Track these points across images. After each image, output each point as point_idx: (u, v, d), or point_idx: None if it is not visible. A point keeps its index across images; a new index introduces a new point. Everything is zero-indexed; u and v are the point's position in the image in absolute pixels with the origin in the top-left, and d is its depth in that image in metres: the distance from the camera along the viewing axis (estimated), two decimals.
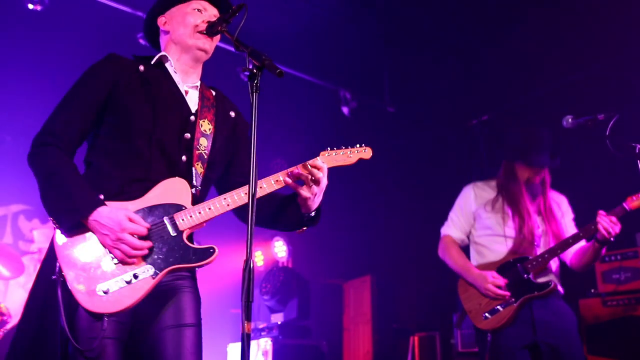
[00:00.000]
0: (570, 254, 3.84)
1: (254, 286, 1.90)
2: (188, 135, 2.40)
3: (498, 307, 3.67)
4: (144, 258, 2.17)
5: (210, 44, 2.53)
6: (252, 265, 1.89)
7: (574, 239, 3.66)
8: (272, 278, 7.64)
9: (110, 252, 2.15)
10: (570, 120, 3.61)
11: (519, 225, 3.80)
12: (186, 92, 2.52)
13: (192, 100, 2.51)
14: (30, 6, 5.45)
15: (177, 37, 2.53)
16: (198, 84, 2.58)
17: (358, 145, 2.51)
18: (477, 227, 3.98)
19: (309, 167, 2.35)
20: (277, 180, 2.36)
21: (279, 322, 7.10)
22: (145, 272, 2.15)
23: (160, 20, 2.61)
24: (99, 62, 2.43)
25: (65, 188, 2.16)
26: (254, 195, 1.97)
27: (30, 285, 2.25)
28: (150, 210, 2.24)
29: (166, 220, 2.23)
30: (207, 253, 2.20)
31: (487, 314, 3.69)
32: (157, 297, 2.24)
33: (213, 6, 2.59)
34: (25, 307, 2.19)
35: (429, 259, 4.86)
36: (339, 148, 2.49)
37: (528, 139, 3.85)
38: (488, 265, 3.83)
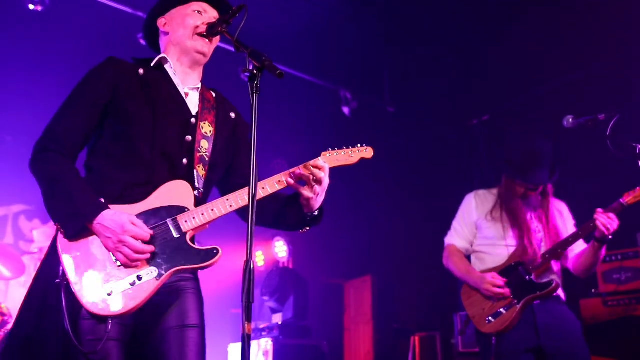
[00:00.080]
0: (572, 259, 3.84)
1: (255, 286, 1.90)
2: (189, 137, 2.40)
3: (501, 309, 3.67)
4: (148, 260, 2.17)
5: (209, 47, 2.53)
6: (252, 266, 1.89)
7: (574, 237, 3.68)
8: (271, 278, 7.66)
9: (113, 255, 2.15)
10: (570, 120, 3.61)
11: (519, 237, 3.81)
12: (186, 95, 2.52)
13: (193, 103, 2.51)
14: (31, 6, 5.45)
15: (177, 39, 2.53)
16: (199, 86, 2.58)
17: (359, 145, 2.52)
18: (479, 236, 4.00)
19: (311, 167, 2.36)
20: (279, 181, 2.38)
21: (279, 323, 7.10)
22: (149, 274, 2.15)
23: (160, 22, 2.61)
24: (98, 66, 2.42)
25: (68, 193, 2.16)
26: (254, 196, 1.98)
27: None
28: (153, 213, 2.24)
29: (169, 222, 2.23)
30: (211, 254, 2.21)
31: (490, 318, 3.69)
32: (161, 299, 2.25)
33: (213, 8, 2.59)
34: (21, 308, 2.19)
35: (429, 259, 4.86)
36: (340, 148, 2.50)
37: (527, 157, 3.86)
38: (489, 270, 3.83)
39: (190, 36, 2.49)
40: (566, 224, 3.96)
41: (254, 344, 6.61)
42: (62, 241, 2.17)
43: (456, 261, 4.00)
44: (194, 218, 2.25)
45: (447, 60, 6.90)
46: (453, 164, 7.41)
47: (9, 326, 4.93)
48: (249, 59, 2.13)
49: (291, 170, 2.38)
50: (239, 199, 2.31)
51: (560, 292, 3.77)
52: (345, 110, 7.06)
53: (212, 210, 2.28)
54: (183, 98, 2.49)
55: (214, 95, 2.63)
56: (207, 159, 2.42)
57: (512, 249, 3.82)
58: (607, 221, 3.52)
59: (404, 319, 7.71)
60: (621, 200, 3.59)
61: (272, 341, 6.55)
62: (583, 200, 4.15)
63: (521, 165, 3.86)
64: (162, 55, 2.56)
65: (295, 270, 8.06)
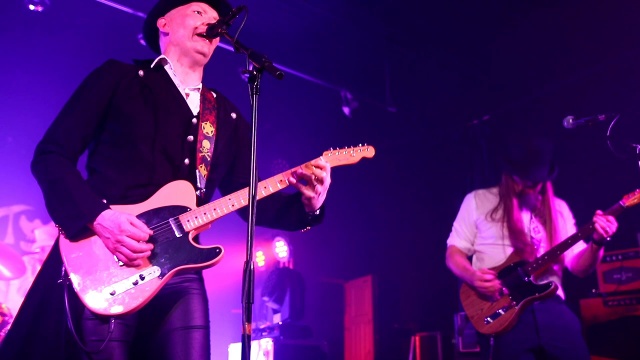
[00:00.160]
0: (570, 259, 3.84)
1: (255, 287, 1.90)
2: (191, 137, 2.40)
3: (500, 310, 3.68)
4: (150, 259, 2.18)
5: (209, 47, 2.53)
6: (252, 267, 1.90)
7: (573, 239, 3.67)
8: (270, 278, 7.67)
9: (114, 255, 2.16)
10: (570, 120, 3.61)
11: (512, 236, 3.81)
12: (187, 95, 2.52)
13: (194, 103, 2.51)
14: (32, 7, 5.45)
15: (177, 39, 2.53)
16: (199, 86, 2.58)
17: (361, 145, 2.53)
18: (479, 236, 4.01)
19: (312, 166, 2.36)
20: (281, 181, 2.38)
21: (280, 323, 7.10)
22: (152, 274, 2.16)
23: (160, 22, 2.61)
24: (98, 69, 2.43)
25: (69, 194, 2.17)
26: (254, 196, 1.98)
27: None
28: (155, 213, 2.25)
29: (171, 221, 2.24)
30: (213, 253, 2.21)
31: (488, 318, 3.69)
32: (165, 299, 2.25)
33: (213, 8, 2.59)
34: (21, 308, 2.19)
35: (430, 259, 4.87)
36: (341, 147, 2.51)
37: (527, 154, 3.85)
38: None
39: (190, 36, 2.50)
40: (566, 223, 3.95)
41: (254, 344, 6.62)
42: (64, 242, 2.17)
43: (455, 260, 4.01)
44: (196, 217, 2.26)
45: (448, 60, 6.90)
46: (454, 164, 7.42)
47: (9, 326, 4.93)
48: (248, 60, 2.13)
49: (293, 169, 2.38)
50: (241, 198, 2.32)
51: (560, 292, 3.77)
52: (346, 110, 7.06)
53: (215, 209, 2.29)
54: (184, 98, 2.49)
55: (214, 95, 2.63)
56: (208, 159, 2.43)
57: (509, 249, 3.82)
58: (606, 224, 3.52)
59: (405, 319, 7.71)
60: (621, 202, 3.58)
61: (272, 341, 6.56)
62: (583, 201, 4.15)
63: (520, 162, 3.86)
64: (162, 56, 2.56)
65: (293, 270, 8.06)
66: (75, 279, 2.10)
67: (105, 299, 2.09)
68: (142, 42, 5.69)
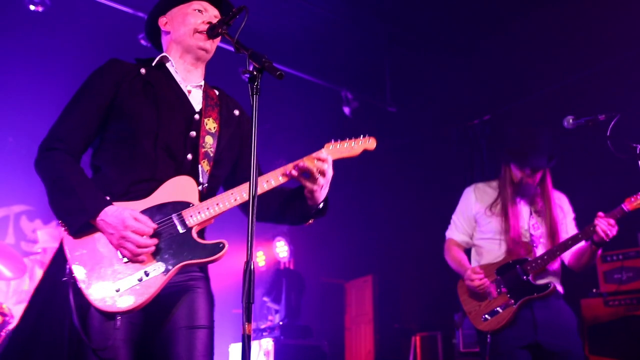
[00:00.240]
0: (568, 254, 3.84)
1: (255, 287, 1.90)
2: (194, 133, 2.41)
3: (498, 308, 3.68)
4: (154, 256, 2.18)
5: (211, 44, 2.54)
6: (252, 267, 1.90)
7: (573, 240, 3.66)
8: (269, 278, 7.69)
9: (118, 252, 2.16)
10: (571, 120, 3.61)
11: (506, 228, 3.80)
12: (189, 92, 2.53)
13: (196, 100, 2.52)
14: (32, 7, 5.46)
15: (178, 37, 2.54)
16: (202, 83, 2.59)
17: (362, 136, 2.53)
18: (478, 230, 3.99)
19: (314, 159, 2.36)
20: (282, 174, 2.38)
21: (280, 323, 7.11)
22: (156, 270, 2.15)
23: (161, 21, 2.62)
24: (101, 68, 2.44)
25: (72, 190, 2.18)
26: (254, 196, 1.98)
27: (34, 282, 2.26)
28: (158, 209, 2.25)
29: (174, 217, 2.24)
30: (217, 248, 2.21)
31: (486, 316, 3.70)
32: (171, 298, 2.26)
33: (214, 7, 2.60)
34: (26, 307, 2.19)
35: (430, 258, 4.87)
36: (343, 140, 2.50)
37: (524, 141, 3.85)
38: (486, 266, 3.84)
39: (191, 34, 2.50)
40: (566, 217, 3.93)
41: (255, 344, 6.62)
42: (67, 240, 2.18)
43: (452, 255, 4.01)
44: (199, 213, 2.26)
45: (448, 60, 6.90)
46: (454, 164, 7.42)
47: (10, 326, 4.93)
48: (249, 60, 2.13)
49: (294, 162, 2.38)
50: (243, 192, 2.32)
51: (559, 287, 3.77)
52: (346, 110, 7.06)
53: (217, 204, 2.29)
54: (186, 95, 2.50)
55: (217, 92, 2.64)
56: (211, 155, 2.43)
57: (504, 244, 3.81)
58: (607, 228, 3.51)
59: (405, 319, 7.71)
60: (623, 206, 3.57)
61: (273, 341, 6.56)
62: (583, 201, 4.15)
63: (518, 150, 3.85)
64: (163, 54, 2.57)
65: (293, 270, 8.07)
66: (80, 277, 2.11)
67: (111, 296, 2.09)
68: (143, 42, 5.70)
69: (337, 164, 2.45)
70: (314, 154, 2.38)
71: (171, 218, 2.24)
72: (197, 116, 2.45)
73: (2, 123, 6.83)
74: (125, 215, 2.14)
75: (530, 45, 6.30)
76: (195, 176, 2.35)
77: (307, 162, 2.36)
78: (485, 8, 6.06)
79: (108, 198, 2.21)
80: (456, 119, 7.47)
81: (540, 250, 3.79)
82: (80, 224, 2.15)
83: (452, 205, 4.18)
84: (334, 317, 8.52)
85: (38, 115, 6.27)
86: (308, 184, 2.38)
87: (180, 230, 2.23)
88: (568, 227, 3.90)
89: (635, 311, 4.83)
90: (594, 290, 5.12)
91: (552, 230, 3.80)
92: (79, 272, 2.11)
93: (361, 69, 7.13)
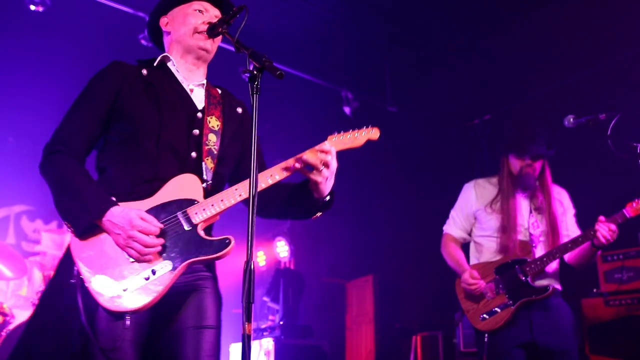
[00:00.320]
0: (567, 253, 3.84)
1: (256, 287, 1.90)
2: (197, 131, 2.41)
3: (496, 308, 3.68)
4: (161, 254, 2.18)
5: (211, 44, 2.54)
6: (252, 267, 1.89)
7: (573, 243, 3.65)
8: (269, 279, 7.69)
9: (125, 252, 2.17)
10: (571, 119, 3.61)
11: (505, 226, 3.79)
12: (191, 90, 2.53)
13: (198, 98, 2.52)
14: (32, 7, 5.46)
15: (179, 38, 2.54)
16: (204, 82, 2.59)
17: (365, 127, 2.52)
18: (478, 227, 3.98)
19: (317, 152, 2.35)
20: (286, 168, 2.37)
21: (281, 322, 7.11)
22: (164, 268, 2.15)
23: (163, 21, 2.62)
24: (102, 71, 2.45)
25: (76, 192, 2.18)
26: (254, 196, 1.98)
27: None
28: (163, 207, 2.25)
29: (179, 215, 2.24)
30: (223, 244, 2.20)
31: (485, 315, 3.70)
32: (178, 297, 2.26)
33: (214, 7, 2.60)
34: (35, 310, 2.21)
35: (431, 258, 4.86)
36: (346, 131, 2.49)
37: (522, 131, 3.84)
38: (485, 264, 3.84)
39: (192, 34, 2.51)
40: (566, 214, 3.91)
41: (255, 343, 6.62)
42: (74, 242, 2.18)
43: (449, 251, 4.00)
44: (204, 210, 2.26)
45: (449, 59, 6.90)
46: (454, 163, 7.42)
47: (11, 326, 4.93)
48: (249, 60, 2.13)
49: (298, 155, 2.37)
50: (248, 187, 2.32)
51: (557, 285, 3.77)
52: (347, 110, 7.07)
53: (222, 200, 2.28)
54: (188, 94, 2.51)
55: (219, 91, 2.64)
56: (215, 152, 2.43)
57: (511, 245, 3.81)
58: (607, 233, 3.51)
59: (406, 319, 7.70)
60: (624, 211, 3.55)
61: (273, 341, 6.56)
62: (583, 200, 4.14)
63: (516, 139, 3.84)
64: (165, 54, 2.58)
65: (292, 270, 8.07)
66: (87, 278, 2.11)
67: (119, 296, 2.09)
68: (143, 42, 5.70)
69: (338, 162, 2.44)
70: (317, 147, 2.37)
71: (176, 216, 2.24)
72: (199, 114, 2.46)
73: (3, 123, 6.84)
74: (131, 215, 2.14)
75: (530, 45, 6.30)
76: (200, 174, 2.35)
77: (310, 154, 2.35)
78: (485, 8, 6.06)
79: (114, 199, 2.21)
80: (456, 119, 7.47)
81: (539, 250, 3.79)
82: (86, 225, 2.15)
83: (453, 205, 4.18)
84: (335, 316, 8.52)
85: (38, 115, 6.28)
86: (313, 177, 2.36)
87: (186, 227, 2.23)
88: (568, 223, 3.89)
89: (636, 311, 4.82)
90: (595, 290, 5.12)
91: (552, 228, 3.79)
92: (86, 273, 2.12)
93: (361, 69, 7.13)
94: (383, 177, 8.09)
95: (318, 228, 8.37)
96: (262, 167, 2.52)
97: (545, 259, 3.68)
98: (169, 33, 2.60)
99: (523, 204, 3.89)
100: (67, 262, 2.20)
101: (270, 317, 7.64)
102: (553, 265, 3.78)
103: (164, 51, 2.63)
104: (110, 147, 2.38)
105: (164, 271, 2.15)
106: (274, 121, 7.41)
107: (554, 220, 3.81)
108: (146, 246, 2.13)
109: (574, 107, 3.76)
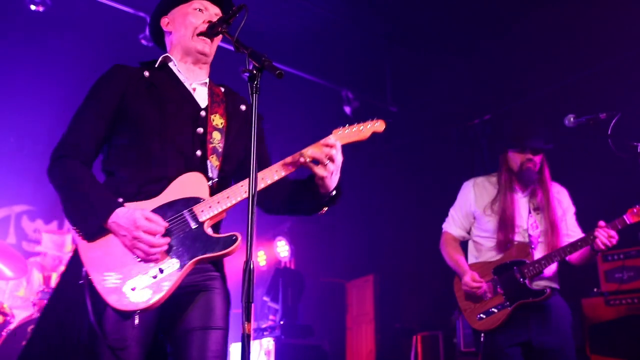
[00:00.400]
0: None
1: (256, 286, 1.90)
2: (201, 130, 2.42)
3: (493, 309, 3.68)
4: (168, 253, 2.18)
5: (210, 47, 2.54)
6: (252, 266, 1.89)
7: (572, 248, 3.64)
8: (269, 278, 7.69)
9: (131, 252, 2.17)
10: (572, 119, 3.61)
11: (504, 228, 3.78)
12: (194, 90, 2.54)
13: (201, 97, 2.53)
14: (33, 7, 5.47)
15: (179, 39, 2.55)
16: (206, 81, 2.60)
17: (370, 119, 2.51)
18: (477, 226, 3.98)
19: (322, 146, 2.34)
20: (291, 163, 2.36)
21: (281, 322, 7.11)
22: (171, 266, 2.16)
23: (163, 21, 2.63)
24: (105, 75, 2.46)
25: (82, 196, 2.19)
26: (254, 196, 1.98)
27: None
28: (169, 206, 2.25)
29: (186, 213, 2.24)
30: (230, 241, 2.20)
31: (482, 315, 3.70)
32: (187, 297, 2.27)
33: (214, 5, 2.60)
34: (43, 312, 2.21)
35: (431, 258, 4.86)
36: (351, 124, 2.47)
37: (520, 126, 3.85)
38: (483, 264, 3.84)
39: (191, 36, 2.51)
40: (566, 214, 3.90)
41: (255, 343, 6.62)
42: (82, 245, 2.18)
43: (449, 250, 4.00)
44: (210, 207, 2.26)
45: (449, 60, 6.90)
46: (454, 163, 7.41)
47: (11, 326, 4.94)
48: (248, 59, 2.13)
49: (302, 150, 2.36)
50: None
51: (555, 285, 3.76)
52: (347, 109, 7.07)
53: (228, 197, 2.28)
54: (190, 93, 2.51)
55: (222, 89, 2.64)
56: (220, 150, 2.43)
57: (509, 245, 3.81)
58: (607, 240, 3.50)
59: (406, 319, 7.71)
60: (625, 217, 3.55)
61: (273, 340, 6.56)
62: (583, 200, 4.14)
63: (514, 134, 3.84)
64: (166, 54, 2.58)
65: (292, 269, 8.07)
66: (96, 278, 2.11)
67: (127, 295, 2.09)
68: (144, 41, 5.70)
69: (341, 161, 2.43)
70: (322, 141, 2.35)
71: (183, 214, 2.24)
72: (203, 113, 2.46)
73: (4, 123, 6.83)
74: (136, 215, 2.14)
75: (530, 45, 6.30)
76: (205, 172, 2.36)
77: (315, 148, 2.34)
78: (485, 8, 6.06)
79: (120, 200, 2.22)
80: (456, 119, 7.47)
81: (538, 251, 3.79)
82: (94, 229, 2.16)
83: (452, 205, 4.18)
84: (335, 316, 8.52)
85: (39, 115, 6.29)
86: (318, 171, 2.34)
87: (193, 225, 2.23)
88: (569, 223, 3.88)
89: (636, 310, 4.83)
90: (595, 290, 5.12)
91: (552, 228, 3.79)
92: (94, 274, 2.12)
93: (362, 69, 7.13)
94: (383, 177, 8.09)
95: (318, 228, 8.38)
96: (267, 162, 2.52)
97: (543, 262, 3.67)
98: (170, 33, 2.61)
99: (522, 204, 3.88)
100: (75, 263, 2.20)
101: (271, 317, 7.63)
102: (552, 267, 3.77)
103: (165, 51, 2.64)
104: (115, 150, 2.39)
105: (172, 269, 2.15)
106: (274, 121, 7.41)
107: (553, 219, 3.80)
108: (152, 246, 2.13)
109: (574, 107, 3.76)
